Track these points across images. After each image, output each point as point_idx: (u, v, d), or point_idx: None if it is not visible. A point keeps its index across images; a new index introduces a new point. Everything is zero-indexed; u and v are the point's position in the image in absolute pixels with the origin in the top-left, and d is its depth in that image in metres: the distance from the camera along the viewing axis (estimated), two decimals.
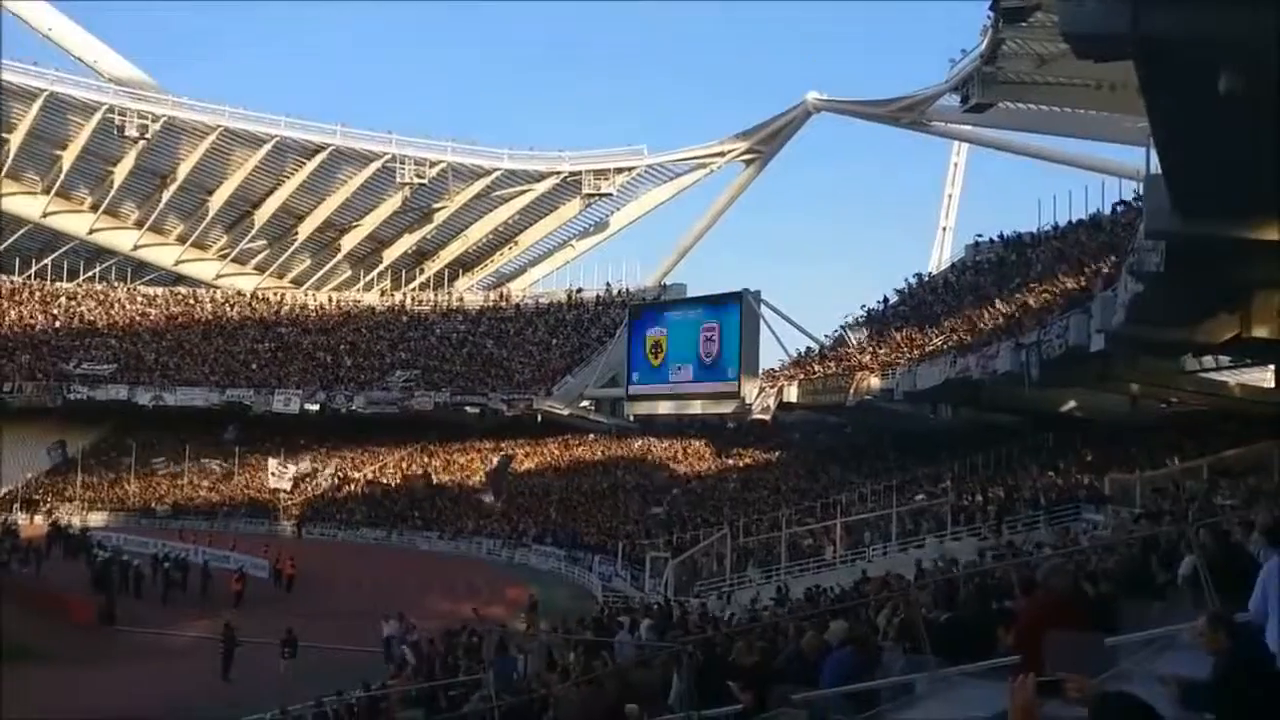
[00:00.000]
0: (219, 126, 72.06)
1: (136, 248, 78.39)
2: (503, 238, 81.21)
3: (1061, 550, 15.66)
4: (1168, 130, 15.13)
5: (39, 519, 57.51)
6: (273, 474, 60.92)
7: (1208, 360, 32.19)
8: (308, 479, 63.55)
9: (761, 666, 9.36)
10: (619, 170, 75.45)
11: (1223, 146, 14.67)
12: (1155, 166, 17.40)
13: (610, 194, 76.53)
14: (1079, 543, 18.36)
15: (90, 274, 77.69)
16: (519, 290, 79.46)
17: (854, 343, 52.95)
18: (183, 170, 74.12)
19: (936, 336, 45.14)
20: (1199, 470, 25.56)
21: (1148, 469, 27.10)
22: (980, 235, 56.97)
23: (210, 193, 76.31)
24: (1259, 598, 6.37)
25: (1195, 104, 12.93)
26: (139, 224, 78.24)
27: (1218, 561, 8.85)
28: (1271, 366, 33.23)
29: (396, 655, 25.58)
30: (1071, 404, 38.60)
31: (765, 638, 12.26)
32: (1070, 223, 48.88)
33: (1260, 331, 23.65)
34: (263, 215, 77.36)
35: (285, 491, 60.63)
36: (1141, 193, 31.39)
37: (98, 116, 69.89)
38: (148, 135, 70.51)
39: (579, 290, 74.72)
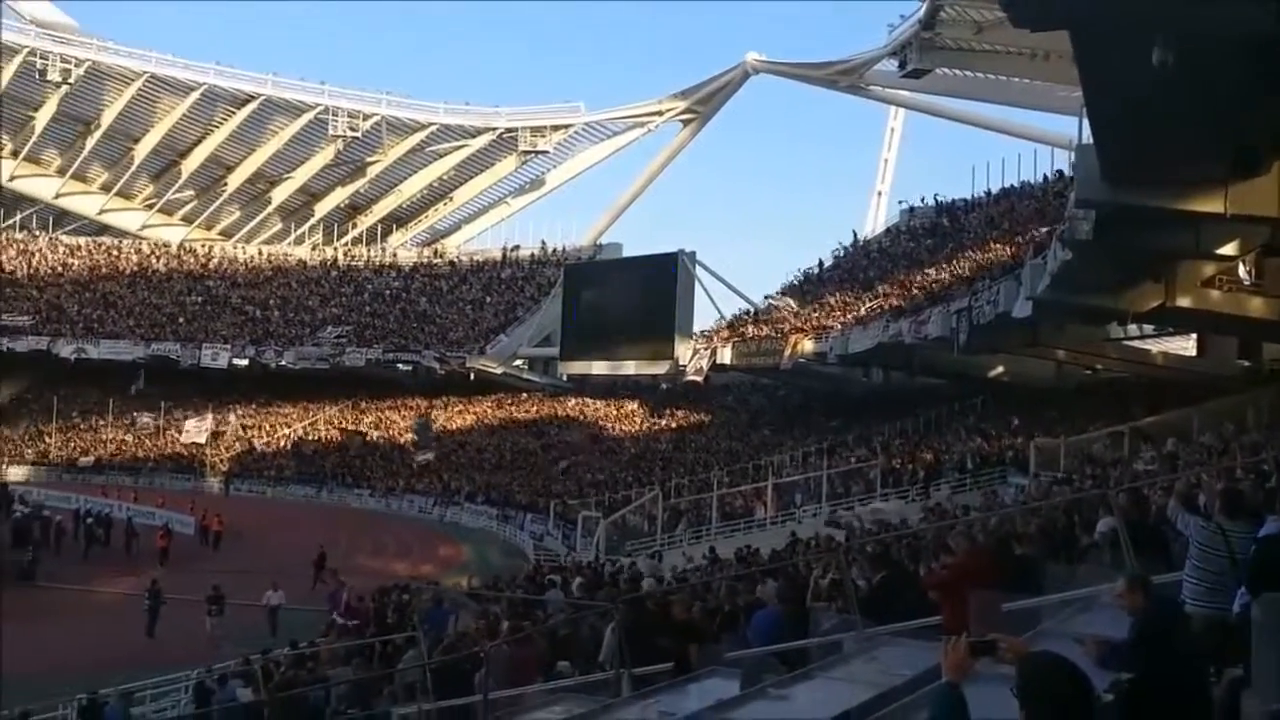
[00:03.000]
0: (145, 73, 70.29)
1: (58, 196, 76.45)
2: (437, 193, 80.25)
3: (973, 515, 15.97)
4: (1099, 100, 15.31)
5: None
6: (187, 430, 60.27)
7: (1132, 328, 32.87)
8: (225, 435, 62.72)
9: (693, 624, 9.43)
10: (556, 127, 74.82)
11: (1152, 118, 14.89)
12: (1087, 136, 17.64)
13: (547, 151, 75.89)
14: (1004, 505, 18.72)
15: (10, 223, 75.58)
16: (453, 247, 78.68)
17: (789, 305, 53.19)
18: (107, 117, 72.29)
19: (870, 300, 45.58)
20: (1120, 436, 26.15)
21: (1071, 434, 27.67)
22: (915, 200, 57.61)
23: (136, 141, 74.48)
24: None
25: (1127, 75, 13.09)
26: (61, 171, 76.27)
27: (1137, 525, 9.07)
28: (1193, 336, 34.09)
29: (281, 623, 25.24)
30: (999, 369, 39.26)
31: (696, 597, 12.35)
32: (1003, 190, 49.51)
33: (1183, 301, 24.18)
34: (190, 165, 75.67)
35: (201, 445, 59.91)
36: (1073, 162, 31.86)
37: (18, 60, 67.83)
38: (70, 80, 68.63)
39: (514, 248, 74.19)
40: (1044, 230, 33.55)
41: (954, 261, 43.15)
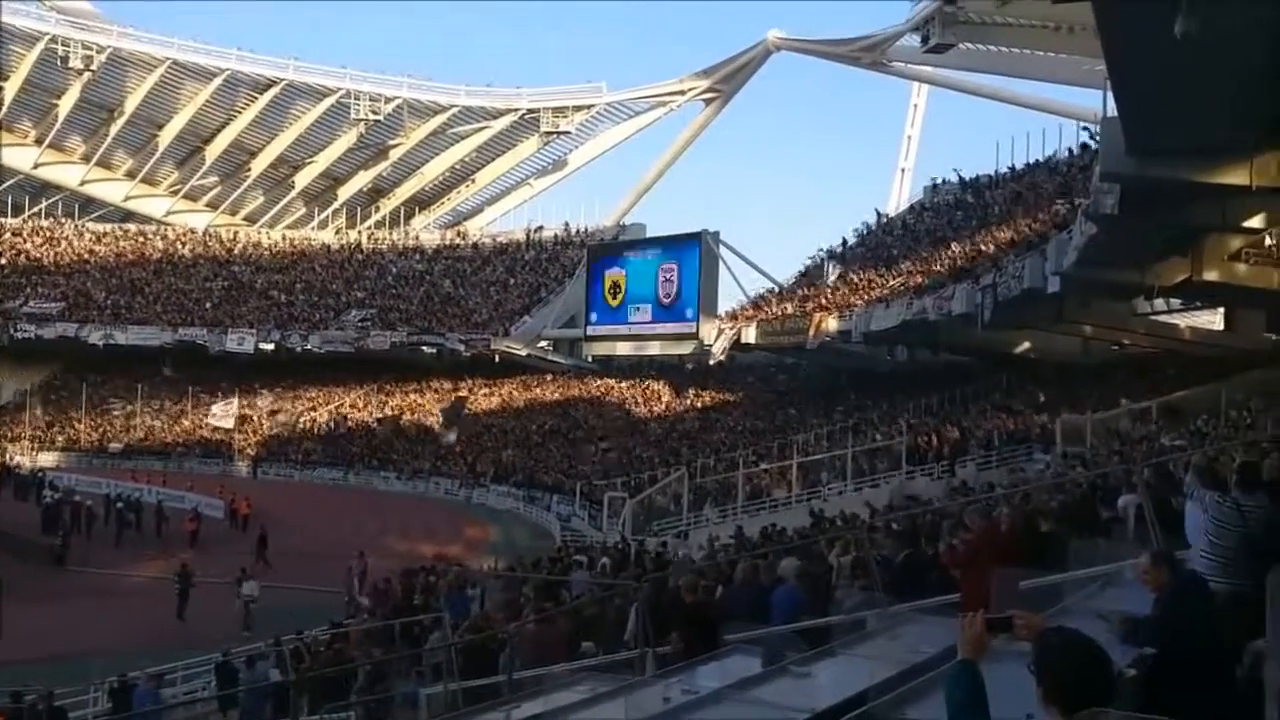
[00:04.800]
0: (167, 59, 70.49)
1: (84, 183, 76.92)
2: (459, 175, 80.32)
3: (984, 495, 15.86)
4: (1123, 73, 15.15)
5: None
6: (214, 414, 60.58)
7: (1159, 303, 32.59)
8: (265, 417, 63.14)
9: (703, 605, 9.43)
10: (577, 108, 74.63)
11: (1177, 90, 14.72)
12: (1111, 109, 17.46)
13: (569, 132, 75.75)
14: (1027, 482, 18.61)
15: (36, 210, 76.16)
16: (476, 229, 78.75)
17: (829, 277, 52.33)
18: (130, 103, 72.58)
19: (894, 278, 45.33)
20: (1148, 411, 25.97)
21: (1099, 410, 27.48)
22: (939, 177, 57.26)
23: (160, 127, 74.81)
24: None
25: (1150, 47, 12.93)
26: (86, 159, 76.72)
27: (1163, 501, 9.01)
28: (1220, 309, 33.76)
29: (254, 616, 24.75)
30: (1025, 345, 39.01)
31: (717, 576, 12.36)
32: (1028, 165, 49.09)
33: (1210, 275, 23.95)
34: (214, 151, 75.97)
35: (228, 430, 60.22)
36: (1098, 135, 31.54)
37: (40, 47, 68.13)
38: (93, 67, 68.89)
39: (538, 229, 74.19)
40: (1069, 205, 33.25)
41: (978, 237, 42.85)
